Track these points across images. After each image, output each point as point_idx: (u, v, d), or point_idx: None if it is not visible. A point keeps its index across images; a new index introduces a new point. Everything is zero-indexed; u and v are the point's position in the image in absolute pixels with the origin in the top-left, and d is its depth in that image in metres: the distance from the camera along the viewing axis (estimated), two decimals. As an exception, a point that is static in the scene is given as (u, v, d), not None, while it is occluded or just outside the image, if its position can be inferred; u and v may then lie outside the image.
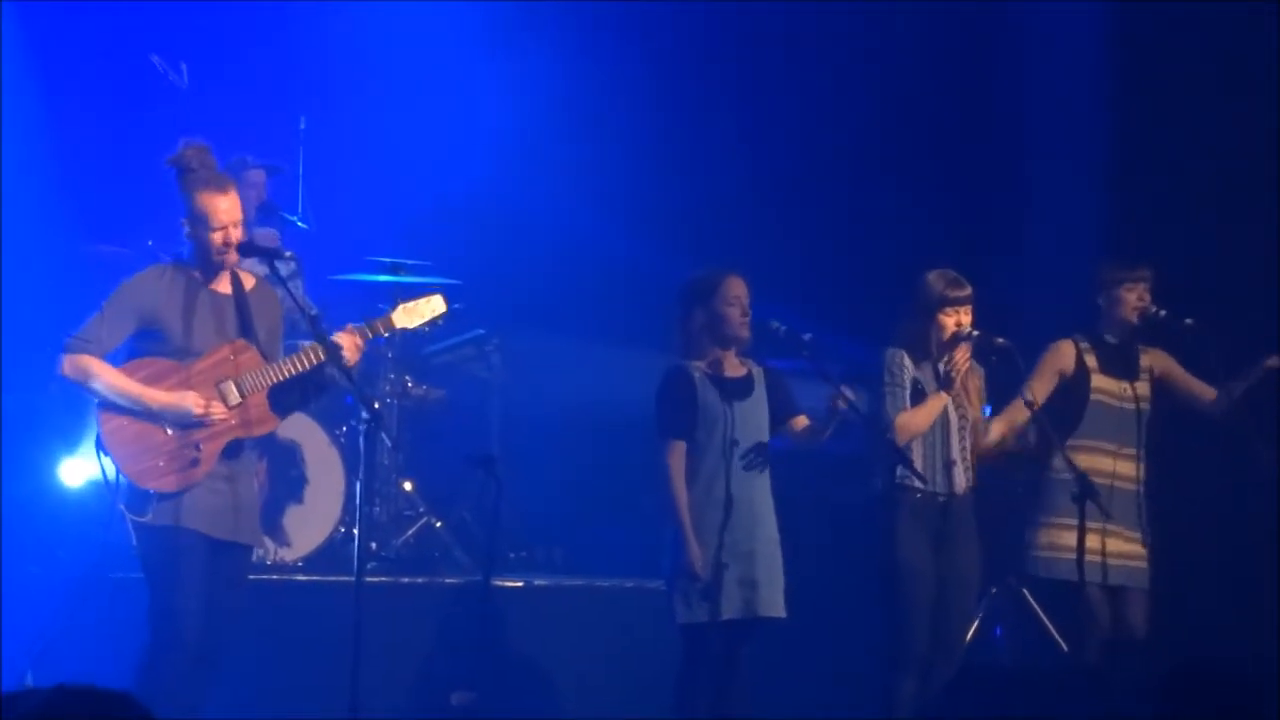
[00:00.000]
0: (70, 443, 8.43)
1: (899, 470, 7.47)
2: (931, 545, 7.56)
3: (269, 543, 8.73)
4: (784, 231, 10.10)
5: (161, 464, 6.71)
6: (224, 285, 6.90)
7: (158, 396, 6.72)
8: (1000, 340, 7.60)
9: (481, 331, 9.74)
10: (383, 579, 8.66)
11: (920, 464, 7.52)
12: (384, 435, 7.38)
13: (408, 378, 9.47)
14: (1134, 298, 7.98)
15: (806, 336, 7.37)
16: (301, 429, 8.91)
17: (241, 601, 6.95)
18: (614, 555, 9.12)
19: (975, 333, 7.60)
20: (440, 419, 9.73)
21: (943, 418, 7.61)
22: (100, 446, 6.74)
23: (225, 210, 6.77)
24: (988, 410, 7.82)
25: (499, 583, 8.50)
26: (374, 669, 7.24)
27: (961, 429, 7.64)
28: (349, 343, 6.83)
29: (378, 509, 9.24)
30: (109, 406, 6.74)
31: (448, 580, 8.86)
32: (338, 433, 9.08)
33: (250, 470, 6.97)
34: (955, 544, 7.60)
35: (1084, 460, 7.79)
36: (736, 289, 7.47)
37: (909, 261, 7.93)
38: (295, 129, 10.00)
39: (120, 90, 9.95)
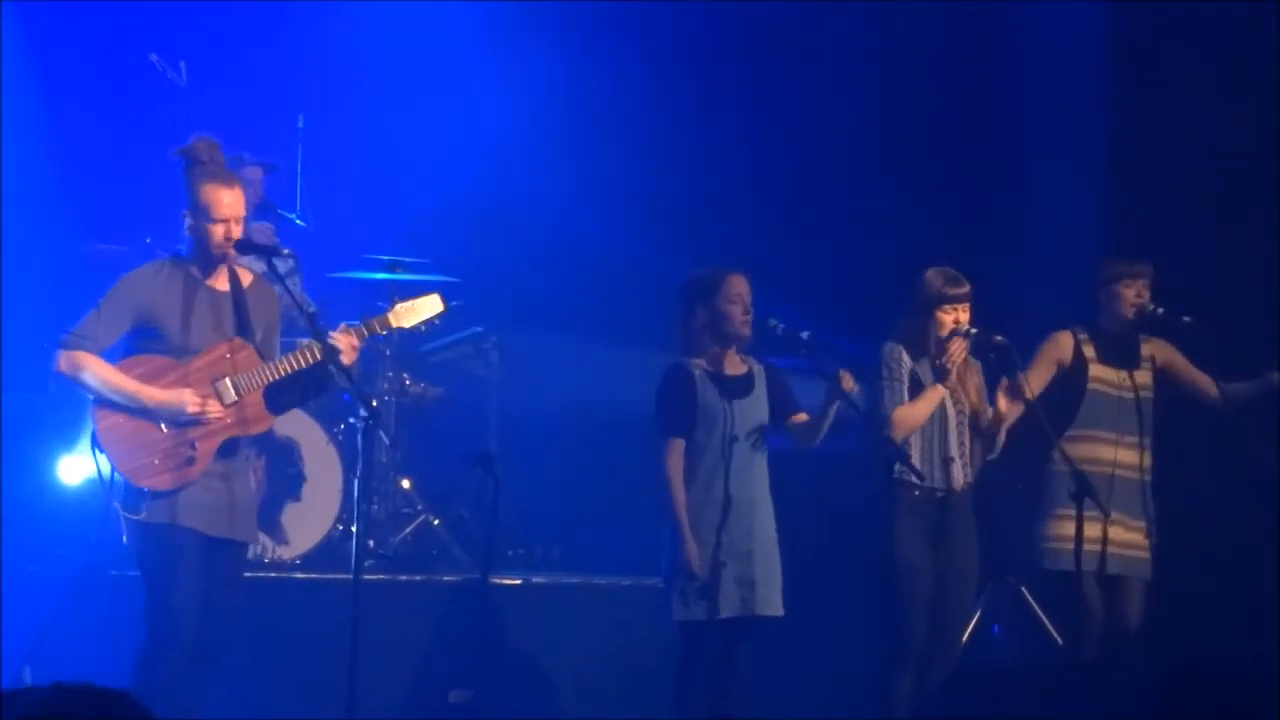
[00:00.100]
0: (69, 441, 8.44)
1: (897, 466, 7.46)
2: (929, 542, 7.55)
3: (267, 540, 8.73)
4: (784, 230, 10.08)
5: (157, 462, 6.69)
6: (222, 282, 6.88)
7: (153, 394, 6.70)
8: (998, 338, 7.60)
9: (480, 329, 9.72)
10: (380, 577, 8.66)
11: (918, 460, 7.51)
12: (382, 433, 7.36)
13: (406, 375, 9.46)
14: (1132, 294, 7.97)
15: (805, 334, 7.37)
16: (299, 427, 8.90)
17: (238, 599, 6.94)
18: (612, 553, 9.10)
19: (973, 330, 7.59)
20: (438, 416, 9.73)
21: (941, 413, 7.60)
22: (95, 443, 6.72)
23: (229, 204, 6.76)
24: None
25: (497, 580, 8.50)
26: (372, 667, 7.24)
27: (959, 425, 7.63)
28: (346, 342, 6.81)
29: (375, 507, 9.24)
30: (104, 403, 6.72)
31: (446, 578, 8.85)
32: (336, 430, 9.07)
33: (246, 468, 6.94)
34: (954, 540, 7.59)
35: (1084, 450, 7.80)
36: (739, 287, 7.47)
37: (909, 260, 7.92)
38: (294, 127, 10.01)
39: (119, 89, 9.95)
